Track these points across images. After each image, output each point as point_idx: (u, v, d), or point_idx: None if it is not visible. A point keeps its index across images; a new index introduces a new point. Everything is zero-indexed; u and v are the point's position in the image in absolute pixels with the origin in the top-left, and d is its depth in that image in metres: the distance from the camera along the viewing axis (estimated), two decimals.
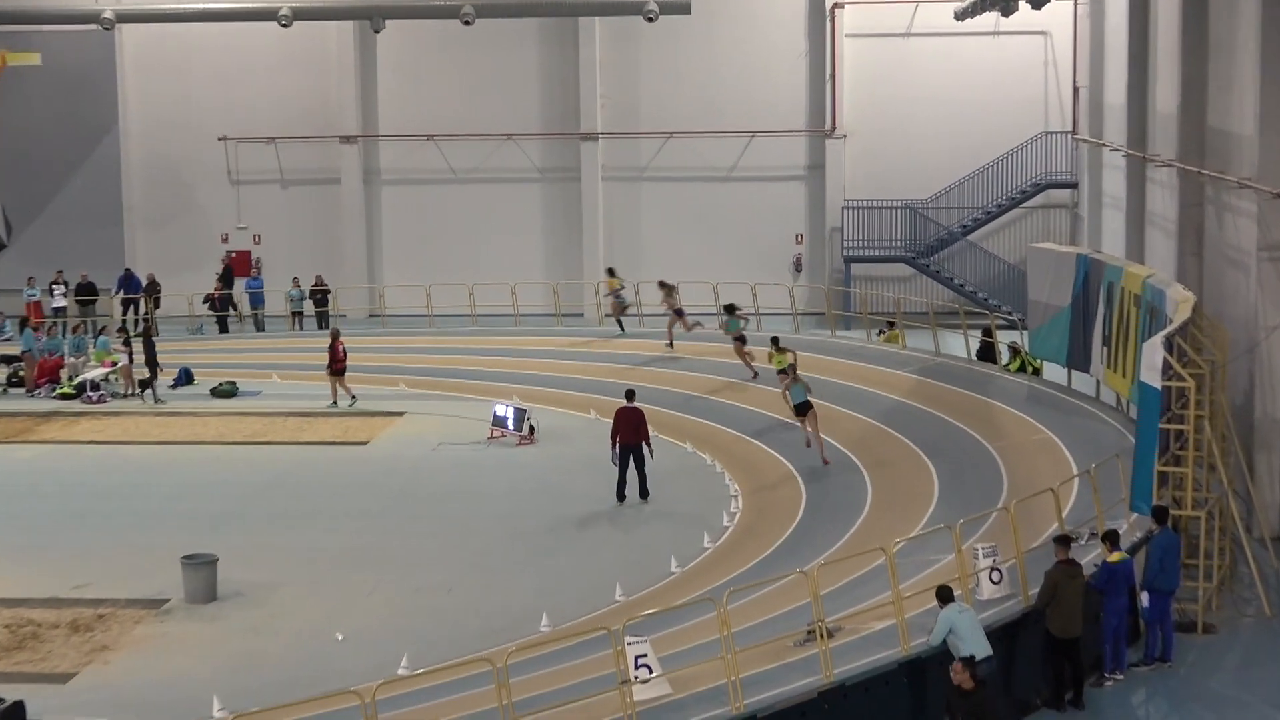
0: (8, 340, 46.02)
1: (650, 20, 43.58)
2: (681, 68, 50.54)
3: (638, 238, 51.15)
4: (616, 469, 29.69)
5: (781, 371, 33.03)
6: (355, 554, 27.18)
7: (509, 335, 45.43)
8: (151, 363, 40.14)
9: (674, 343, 41.33)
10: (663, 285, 41.90)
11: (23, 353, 42.14)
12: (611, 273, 45.46)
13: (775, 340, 35.44)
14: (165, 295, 49.66)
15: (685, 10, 43.69)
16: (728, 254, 50.09)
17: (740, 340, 38.28)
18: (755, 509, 28.98)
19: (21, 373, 42.12)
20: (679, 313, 41.28)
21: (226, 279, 50.28)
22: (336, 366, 38.83)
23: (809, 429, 30.73)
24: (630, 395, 30.61)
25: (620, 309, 43.79)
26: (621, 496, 29.70)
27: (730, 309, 39.19)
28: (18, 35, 49.88)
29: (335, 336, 39.55)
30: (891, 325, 41.74)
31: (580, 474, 31.94)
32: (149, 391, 39.98)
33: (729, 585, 22.38)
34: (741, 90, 50.30)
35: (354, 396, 38.90)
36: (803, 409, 30.86)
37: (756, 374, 37.46)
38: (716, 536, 27.43)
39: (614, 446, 29.71)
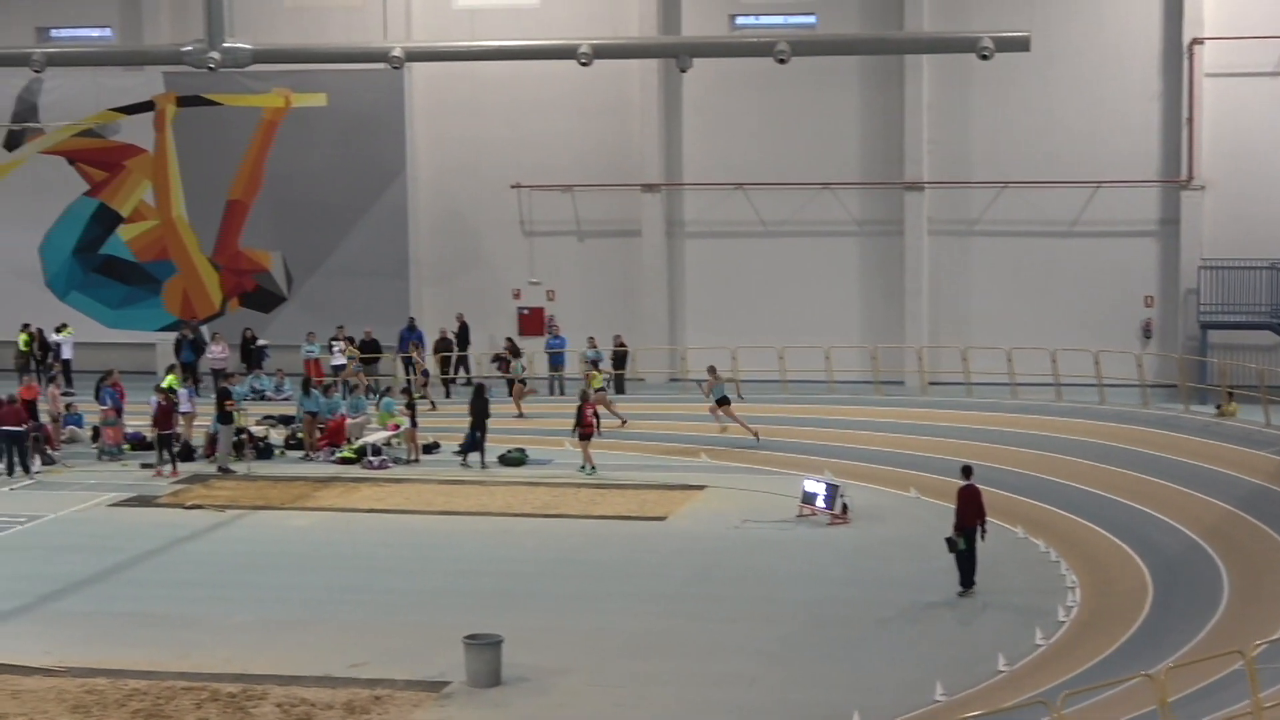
0: (286, 399, 47.51)
1: (984, 58, 43.03)
2: (1017, 110, 49.98)
3: (966, 298, 50.65)
4: (955, 555, 29.26)
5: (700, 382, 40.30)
6: (649, 638, 27.36)
7: (822, 404, 45.40)
8: (480, 423, 41.04)
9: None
10: (711, 371, 43.42)
11: (304, 414, 43.53)
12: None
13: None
14: (443, 355, 50.75)
15: (1023, 47, 43.18)
16: (1067, 317, 49.31)
17: (724, 402, 42.40)
18: (1095, 602, 28.43)
19: (300, 435, 43.50)
20: (722, 401, 43.01)
21: (462, 339, 51.29)
22: (584, 431, 39.83)
23: (728, 417, 39.57)
24: (968, 472, 30.10)
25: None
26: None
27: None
28: (304, 75, 51.53)
29: (584, 399, 40.55)
30: (1231, 396, 40.93)
31: (898, 558, 31.70)
32: (473, 455, 40.99)
33: (1064, 687, 21.96)
34: (1085, 136, 49.53)
35: (593, 466, 39.72)
36: (723, 402, 41.14)
37: (758, 436, 41.57)
38: (1050, 632, 26.97)
39: (961, 530, 29.26)
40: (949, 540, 29.35)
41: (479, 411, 41.24)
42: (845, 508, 35.05)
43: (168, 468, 40.93)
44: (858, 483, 37.33)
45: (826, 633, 27.48)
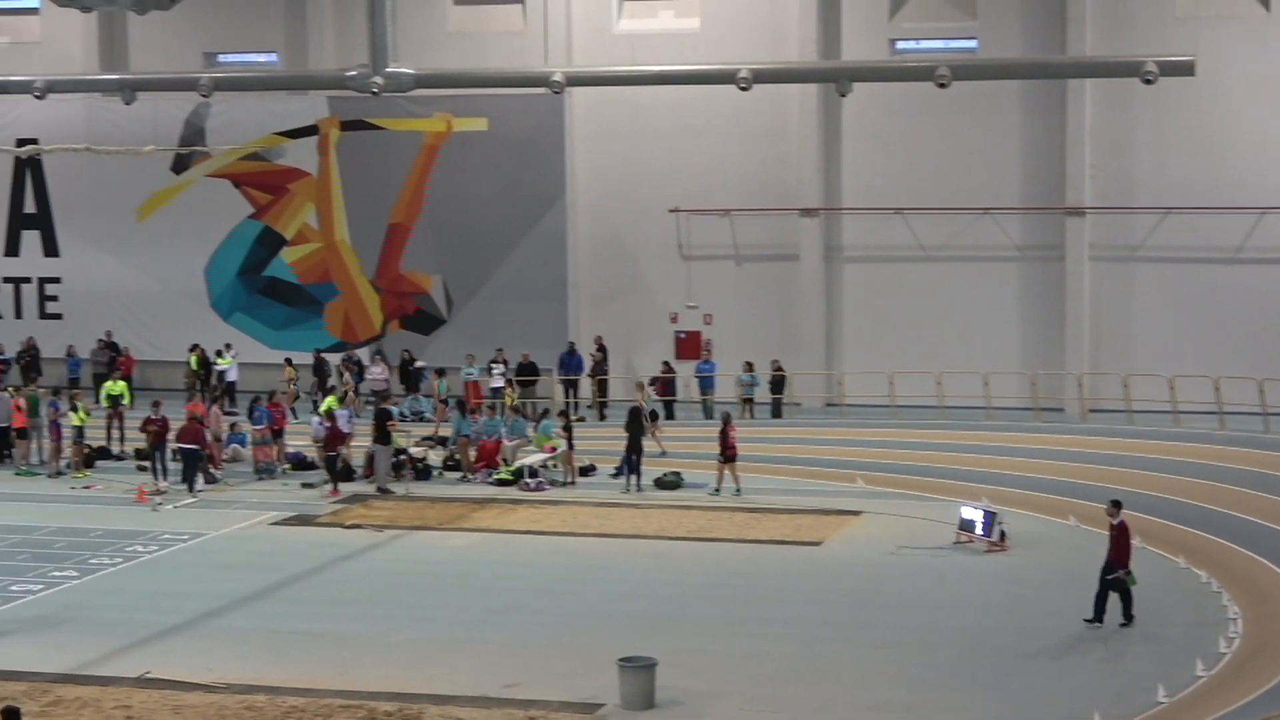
0: (446, 421, 47.88)
1: (1148, 83, 42.68)
2: (1180, 135, 49.29)
3: (1127, 324, 50.02)
4: (1122, 590, 28.89)
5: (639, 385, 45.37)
6: (803, 664, 27.25)
7: (980, 430, 45.06)
8: (635, 445, 41.19)
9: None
10: (639, 386, 45.11)
11: (460, 435, 43.88)
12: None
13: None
14: (609, 377, 50.98)
15: (1188, 72, 42.54)
16: (1231, 344, 48.51)
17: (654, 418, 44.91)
18: (1260, 634, 27.93)
19: (459, 456, 43.84)
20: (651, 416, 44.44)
21: (601, 362, 51.42)
22: (728, 454, 39.98)
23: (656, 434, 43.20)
24: (1119, 505, 29.63)
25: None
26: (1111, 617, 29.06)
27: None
28: (465, 99, 51.98)
29: (727, 421, 40.64)
30: None
31: (1056, 587, 31.36)
32: (633, 478, 41.16)
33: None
34: (1251, 160, 48.70)
35: (739, 488, 39.87)
36: (653, 417, 44.10)
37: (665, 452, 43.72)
38: (1211, 664, 26.53)
39: (1125, 567, 28.86)
40: (1123, 578, 28.86)
41: (634, 434, 41.34)
42: (1003, 535, 34.72)
43: (329, 487, 41.37)
44: (1016, 510, 36.99)
45: (982, 661, 27.24)
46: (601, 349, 51.86)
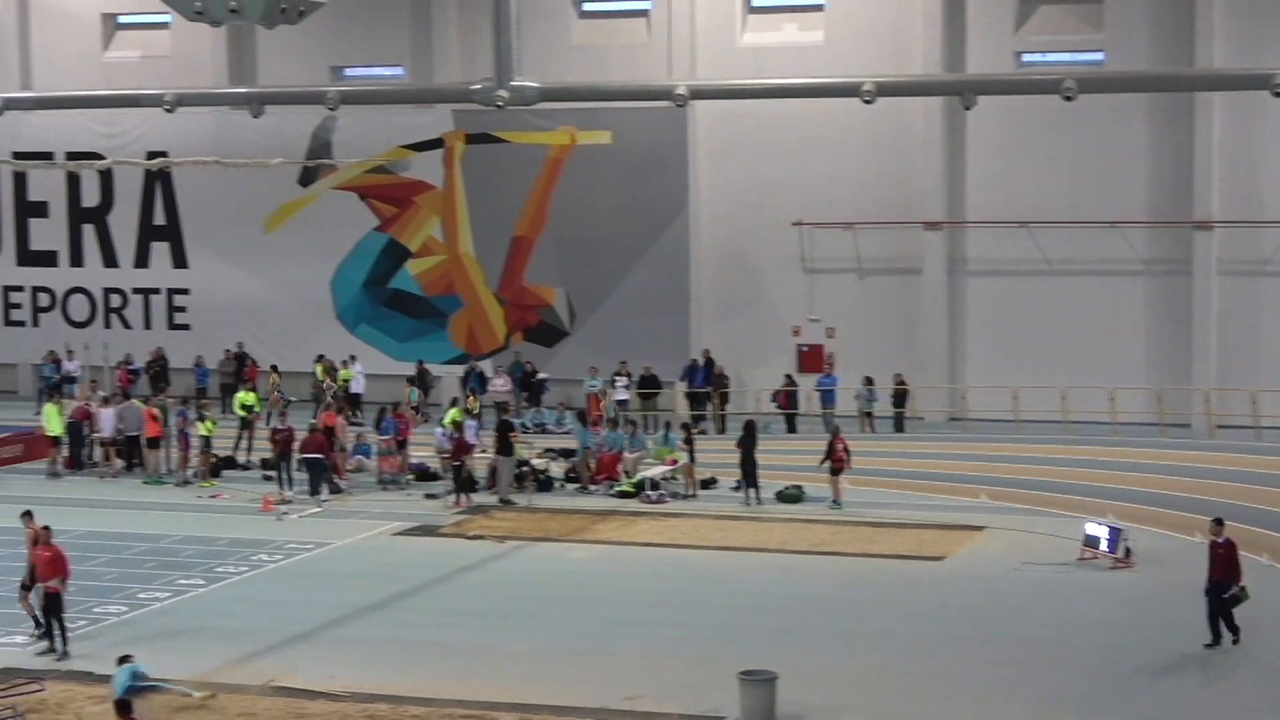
0: (567, 433, 48.01)
1: (1278, 95, 42.21)
2: None
3: (1256, 339, 49.36)
4: (1218, 607, 28.54)
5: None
6: (925, 680, 27.08)
7: (1105, 445, 44.64)
8: (748, 458, 41.19)
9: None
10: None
11: (583, 447, 43.97)
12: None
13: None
14: (731, 390, 50.94)
15: None
16: None
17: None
18: None
19: (581, 468, 43.93)
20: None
21: (708, 374, 51.36)
22: (835, 466, 40.12)
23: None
24: (1220, 524, 29.21)
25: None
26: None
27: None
28: (589, 113, 52.12)
29: (835, 434, 40.72)
30: None
31: (1181, 605, 30.92)
32: (751, 491, 41.10)
33: None
34: None
35: (839, 501, 40.02)
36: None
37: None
38: None
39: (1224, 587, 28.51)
40: (1238, 595, 28.50)
41: (747, 448, 41.26)
42: (1128, 552, 34.35)
43: (453, 498, 41.53)
44: (1141, 526, 36.61)
45: (1108, 679, 26.95)
46: (709, 362, 51.79)
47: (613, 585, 33.73)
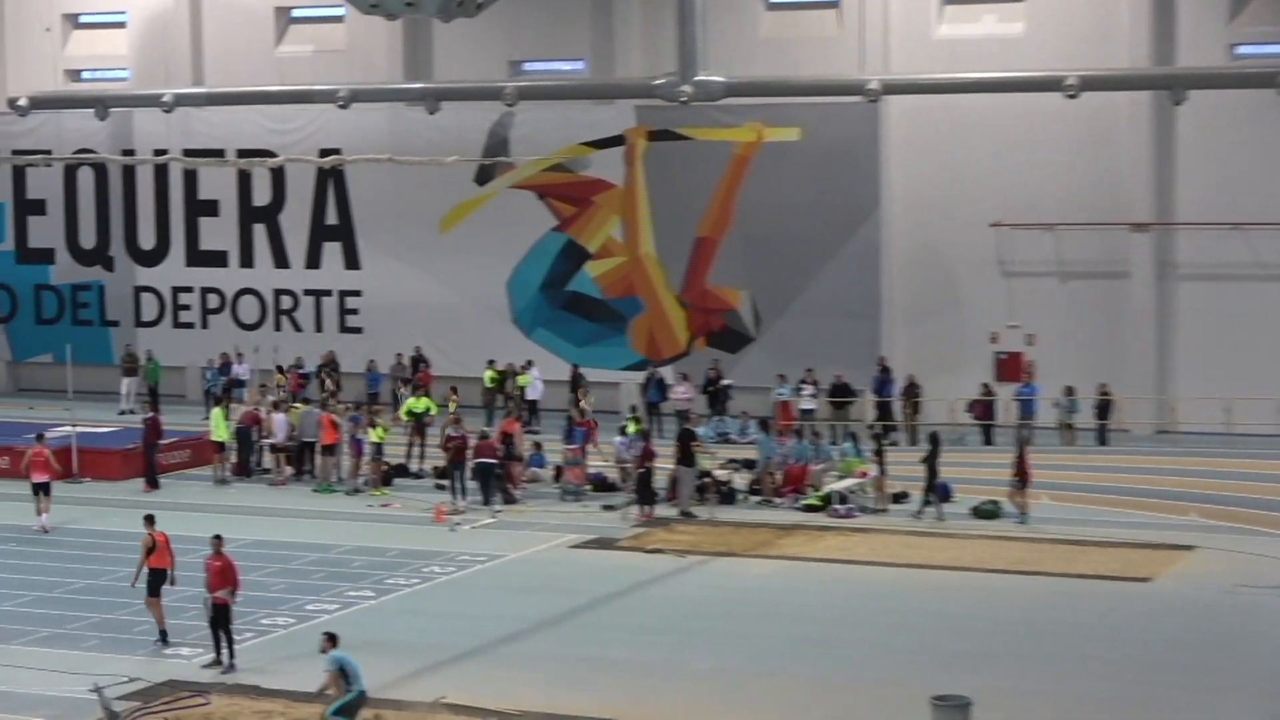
0: (751, 443, 47.87)
1: None
2: None
3: None
4: None
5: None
6: (1129, 707, 26.76)
7: None
8: (932, 474, 41.05)
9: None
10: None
11: (765, 458, 43.87)
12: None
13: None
14: (923, 400, 50.55)
15: None
16: None
17: None
18: None
19: (765, 479, 43.80)
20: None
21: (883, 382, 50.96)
22: (1022, 478, 39.96)
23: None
24: None
25: None
26: None
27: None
28: (776, 108, 51.93)
29: (1024, 445, 40.50)
30: None
31: None
32: (932, 507, 40.90)
33: None
34: None
35: (1024, 515, 39.78)
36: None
37: None
38: None
39: None
40: None
41: (932, 461, 40.95)
42: None
43: (635, 509, 41.47)
44: None
45: None
46: (884, 370, 51.41)
47: (797, 603, 33.61)
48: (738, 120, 52.74)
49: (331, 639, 25.01)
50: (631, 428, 44.91)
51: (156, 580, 30.37)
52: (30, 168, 57.65)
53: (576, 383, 52.28)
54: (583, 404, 49.28)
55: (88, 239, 61.70)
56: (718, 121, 52.55)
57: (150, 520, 30.97)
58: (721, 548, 38.37)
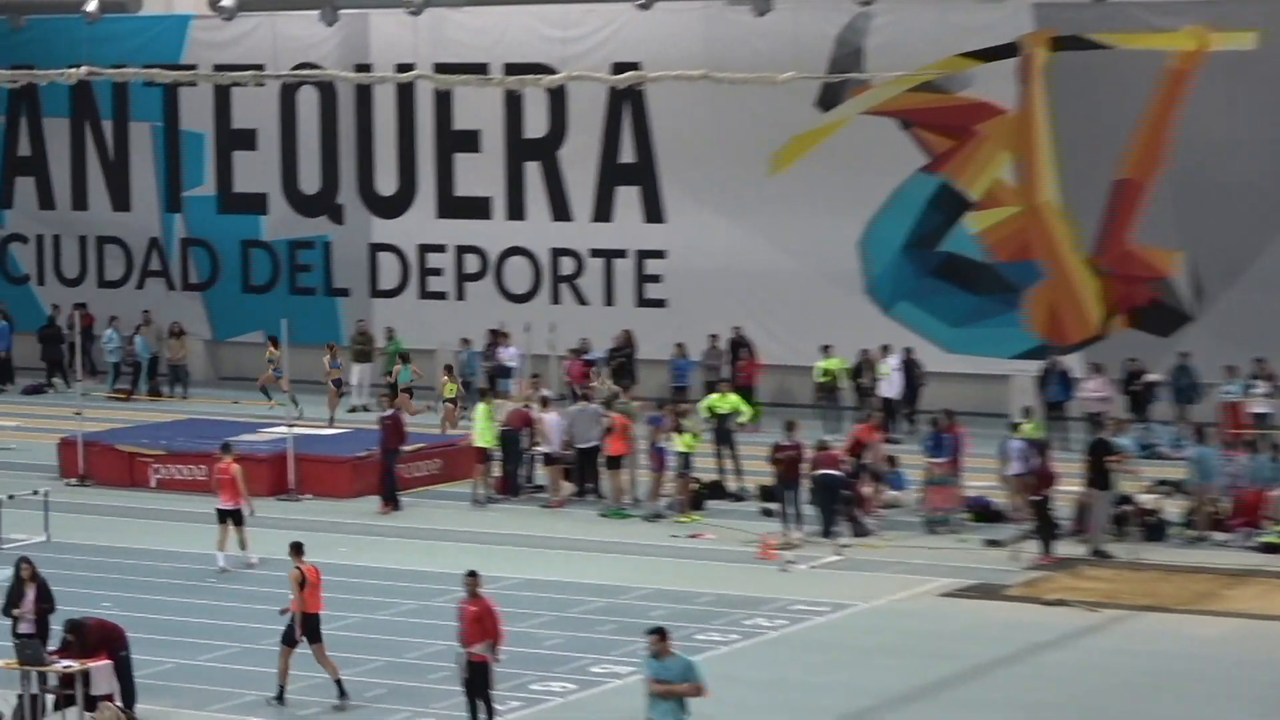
0: (1187, 459, 46.91)
1: None
2: None
3: None
4: None
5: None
6: None
7: None
8: None
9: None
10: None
11: (1202, 479, 43.07)
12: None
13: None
14: None
15: None
16: None
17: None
18: None
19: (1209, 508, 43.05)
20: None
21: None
22: None
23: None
24: None
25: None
26: None
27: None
28: (1226, 5, 51.09)
29: None
30: None
31: None
32: None
33: None
34: None
35: None
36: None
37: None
38: None
39: None
40: None
41: None
42: None
43: (1031, 547, 40.99)
44: None
45: None
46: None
47: (1253, 677, 33.02)
48: (1174, 22, 52.17)
49: (662, 635, 25.01)
50: (1028, 427, 44.34)
51: (309, 626, 30.59)
52: (237, 87, 58.62)
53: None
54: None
55: (309, 182, 62.73)
56: (1145, 24, 52.05)
57: (298, 550, 31.38)
58: (1148, 600, 37.92)
